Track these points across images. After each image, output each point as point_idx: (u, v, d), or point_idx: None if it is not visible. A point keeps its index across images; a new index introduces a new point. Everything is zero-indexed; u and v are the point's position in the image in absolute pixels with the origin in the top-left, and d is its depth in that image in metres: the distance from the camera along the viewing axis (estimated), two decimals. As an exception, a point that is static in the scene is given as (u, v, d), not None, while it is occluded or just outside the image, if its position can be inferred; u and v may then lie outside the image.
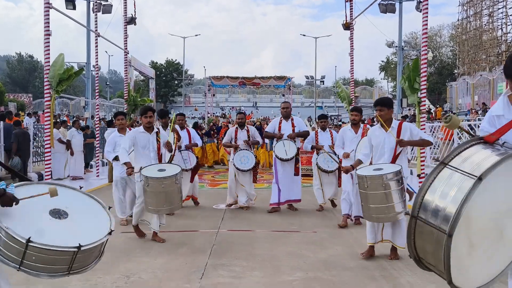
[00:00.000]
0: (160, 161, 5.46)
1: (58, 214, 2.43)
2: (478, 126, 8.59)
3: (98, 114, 15.03)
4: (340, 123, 28.31)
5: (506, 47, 35.42)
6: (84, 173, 12.44)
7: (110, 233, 2.53)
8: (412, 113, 24.03)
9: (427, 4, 7.69)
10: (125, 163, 5.26)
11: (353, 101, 12.38)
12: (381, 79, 63.91)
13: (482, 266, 2.03)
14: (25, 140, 10.79)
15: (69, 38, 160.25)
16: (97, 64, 14.41)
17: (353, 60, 11.95)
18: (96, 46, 13.05)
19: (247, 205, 7.49)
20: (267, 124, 11.60)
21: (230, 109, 54.78)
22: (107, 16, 18.02)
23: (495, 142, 2.10)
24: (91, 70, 26.28)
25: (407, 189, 4.44)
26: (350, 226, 6.22)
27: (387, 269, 4.36)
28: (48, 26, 8.68)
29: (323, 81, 52.59)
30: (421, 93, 8.22)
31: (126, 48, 13.18)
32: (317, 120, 28.52)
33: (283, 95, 41.01)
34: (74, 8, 16.90)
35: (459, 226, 1.86)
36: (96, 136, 13.49)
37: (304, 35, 50.68)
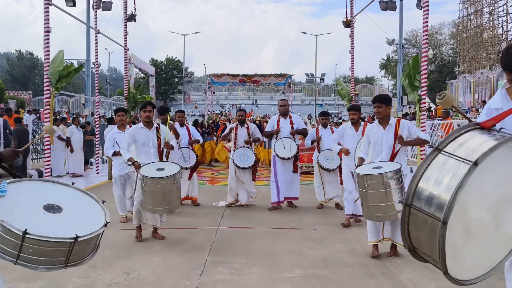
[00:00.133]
0: (160, 158, 5.39)
1: (52, 209, 2.43)
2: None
3: (98, 112, 15.02)
4: (340, 120, 28.32)
5: (506, 45, 35.37)
6: (84, 170, 12.45)
7: (106, 225, 2.53)
8: (412, 111, 24.01)
9: (427, 1, 7.68)
10: (129, 159, 5.17)
11: (353, 99, 12.37)
12: (381, 77, 63.88)
13: (479, 257, 1.98)
14: (25, 137, 10.81)
15: (69, 35, 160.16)
16: (97, 61, 14.40)
17: (353, 58, 11.95)
18: (96, 43, 13.03)
19: (247, 203, 7.49)
20: (267, 122, 11.59)
21: (230, 106, 54.80)
22: (107, 13, 17.96)
23: (491, 128, 2.04)
24: (91, 67, 26.23)
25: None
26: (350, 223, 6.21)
27: (386, 266, 4.36)
28: (48, 23, 8.68)
29: (323, 79, 52.50)
30: (421, 91, 8.21)
31: (126, 45, 13.17)
32: (318, 118, 28.55)
33: (283, 93, 40.98)
34: (74, 5, 16.82)
35: (454, 213, 1.80)
36: (96, 133, 13.49)
37: (305, 33, 50.42)
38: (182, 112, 7.87)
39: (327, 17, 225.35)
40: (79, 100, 33.72)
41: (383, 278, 4.04)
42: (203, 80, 55.16)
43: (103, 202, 2.72)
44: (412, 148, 12.20)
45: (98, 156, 13.28)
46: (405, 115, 21.19)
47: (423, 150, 8.70)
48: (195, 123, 14.80)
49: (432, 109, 26.00)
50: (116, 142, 6.21)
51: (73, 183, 2.83)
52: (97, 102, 14.68)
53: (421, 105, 8.37)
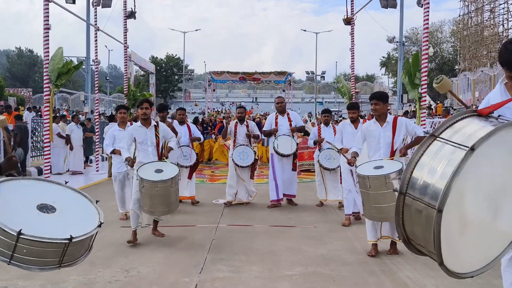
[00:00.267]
0: (159, 156, 5.25)
1: (45, 209, 2.42)
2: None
3: (97, 109, 15.01)
4: (340, 118, 28.29)
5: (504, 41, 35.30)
6: (84, 168, 12.45)
7: (100, 226, 2.52)
8: (412, 109, 23.99)
9: (428, -1, 7.65)
10: (126, 159, 5.09)
11: (353, 97, 12.34)
12: (381, 74, 63.93)
13: (475, 249, 1.92)
14: (25, 134, 10.81)
15: (68, 32, 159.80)
16: (97, 59, 14.37)
17: (353, 56, 11.91)
18: (96, 40, 13.01)
19: (246, 201, 7.48)
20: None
21: (231, 104, 54.75)
22: (107, 10, 17.88)
23: (489, 115, 1.98)
24: (91, 65, 26.19)
25: None
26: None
27: (386, 264, 4.35)
28: (48, 20, 8.65)
29: (323, 77, 52.47)
30: (421, 89, 8.19)
31: (126, 43, 13.14)
32: (318, 115, 28.53)
33: (284, 91, 41.02)
34: (74, 2, 16.73)
35: (449, 201, 1.74)
36: (96, 131, 13.48)
37: (305, 30, 50.70)
38: (183, 110, 7.77)
39: (327, 14, 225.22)
40: (79, 98, 33.71)
41: (382, 276, 4.03)
42: (203, 77, 55.09)
43: (97, 202, 2.70)
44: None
45: (98, 154, 13.28)
46: (405, 113, 21.18)
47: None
48: (195, 121, 14.79)
49: (432, 107, 26.01)
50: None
51: (66, 182, 2.80)
52: (97, 99, 14.68)
53: (422, 103, 8.35)
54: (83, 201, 2.68)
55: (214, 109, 41.46)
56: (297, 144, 7.25)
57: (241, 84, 46.54)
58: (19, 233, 2.15)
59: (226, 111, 40.19)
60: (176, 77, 60.02)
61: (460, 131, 1.89)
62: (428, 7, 7.65)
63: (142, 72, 48.11)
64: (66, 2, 16.57)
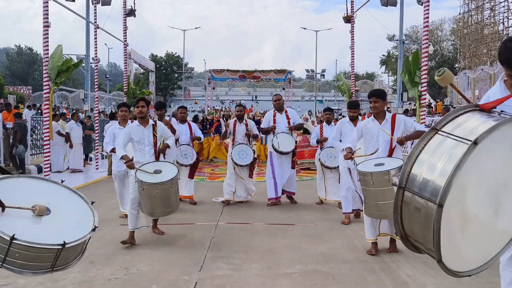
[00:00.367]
0: (157, 156, 5.16)
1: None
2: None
3: (97, 107, 15.00)
4: (340, 117, 28.27)
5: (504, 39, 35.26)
6: (84, 166, 12.45)
7: (94, 230, 2.49)
8: (412, 107, 23.99)
9: (428, -3, 7.64)
10: (122, 157, 4.93)
11: (353, 95, 12.34)
12: (381, 73, 63.91)
13: (475, 247, 1.89)
14: (24, 131, 10.82)
15: (68, 30, 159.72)
16: (97, 57, 14.38)
17: (353, 54, 11.89)
18: (96, 38, 13.00)
19: (246, 199, 7.47)
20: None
21: (230, 102, 54.76)
22: (107, 8, 17.88)
23: (491, 110, 1.95)
24: (91, 63, 26.20)
25: None
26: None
27: (386, 262, 4.36)
28: (47, 18, 8.64)
29: (323, 75, 52.54)
30: (421, 87, 8.20)
31: (126, 41, 13.13)
32: (318, 114, 28.53)
33: (283, 89, 41.05)
34: (74, 0, 16.77)
35: (451, 195, 1.70)
36: (95, 129, 13.47)
37: (305, 29, 50.71)
38: (184, 108, 7.67)
39: (328, 12, 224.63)
40: (79, 96, 33.69)
41: (382, 274, 4.03)
42: (203, 75, 55.13)
43: (93, 203, 2.66)
44: (412, 143, 12.18)
45: (97, 152, 13.27)
46: (405, 112, 21.19)
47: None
48: (195, 119, 14.77)
49: (432, 105, 26.00)
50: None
51: (62, 181, 2.76)
52: (97, 97, 14.67)
53: (422, 101, 8.36)
54: (78, 202, 2.63)
55: (213, 107, 41.40)
56: (296, 141, 7.24)
57: (241, 82, 46.53)
58: (12, 238, 2.12)
59: (226, 109, 40.18)
60: (176, 75, 60.04)
61: (462, 125, 1.87)
62: (428, 5, 7.65)
63: (142, 70, 48.13)
64: (66, 0, 16.56)
